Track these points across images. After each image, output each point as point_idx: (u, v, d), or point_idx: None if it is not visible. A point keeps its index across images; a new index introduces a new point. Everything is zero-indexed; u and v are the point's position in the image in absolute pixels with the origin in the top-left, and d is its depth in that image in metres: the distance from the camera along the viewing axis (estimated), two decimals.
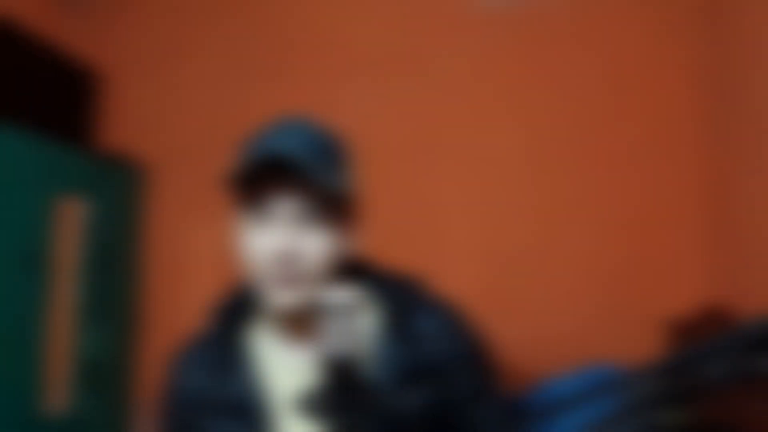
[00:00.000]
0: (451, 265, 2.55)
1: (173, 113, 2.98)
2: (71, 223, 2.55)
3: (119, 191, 2.82)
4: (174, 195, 2.92)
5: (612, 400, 1.76)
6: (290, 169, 0.87)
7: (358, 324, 0.91)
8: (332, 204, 0.91)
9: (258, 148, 0.90)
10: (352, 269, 1.01)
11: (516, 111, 2.70)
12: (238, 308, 1.04)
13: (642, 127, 2.62)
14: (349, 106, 2.63)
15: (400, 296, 1.00)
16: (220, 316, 1.04)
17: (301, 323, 0.96)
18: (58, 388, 2.43)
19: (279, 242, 0.88)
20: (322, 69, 2.84)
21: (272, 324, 1.00)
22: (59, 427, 2.41)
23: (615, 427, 1.70)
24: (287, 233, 0.89)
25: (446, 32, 2.79)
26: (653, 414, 1.68)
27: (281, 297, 0.91)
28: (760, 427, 1.58)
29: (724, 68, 2.41)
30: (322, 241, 0.90)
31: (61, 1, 2.97)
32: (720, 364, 1.53)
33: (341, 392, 0.87)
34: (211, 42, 2.98)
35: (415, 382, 0.94)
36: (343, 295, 0.89)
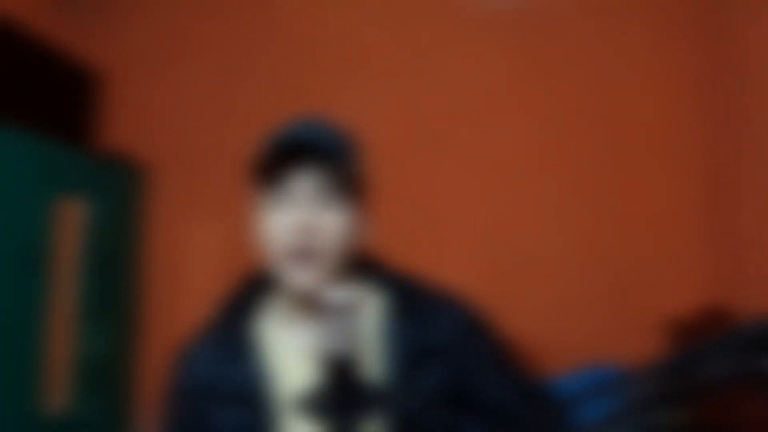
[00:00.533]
0: (453, 262, 2.55)
1: (173, 113, 2.98)
2: (71, 223, 2.55)
3: (119, 191, 2.82)
4: (174, 195, 2.92)
5: (612, 400, 1.76)
6: (310, 150, 0.97)
7: (358, 323, 0.91)
8: (347, 185, 0.98)
9: (279, 137, 1.00)
10: (362, 266, 1.04)
11: (517, 111, 2.70)
12: (247, 298, 1.07)
13: (643, 127, 2.62)
14: (350, 106, 2.63)
15: (407, 288, 1.05)
16: (229, 306, 1.06)
17: (312, 309, 0.97)
18: (58, 388, 2.43)
19: (299, 218, 0.95)
20: (322, 68, 2.84)
21: (283, 309, 1.03)
22: (59, 427, 2.41)
23: (615, 427, 1.70)
24: (307, 209, 0.96)
25: (446, 32, 2.79)
26: (653, 414, 1.68)
27: (298, 275, 0.96)
28: (760, 427, 1.58)
29: (726, 69, 2.41)
30: (339, 218, 0.97)
31: (61, 1, 2.97)
32: (720, 364, 1.53)
33: (339, 392, 0.87)
34: (211, 42, 2.98)
35: (424, 364, 0.97)
36: (342, 295, 0.89)
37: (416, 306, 1.02)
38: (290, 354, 0.99)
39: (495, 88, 2.73)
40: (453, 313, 1.03)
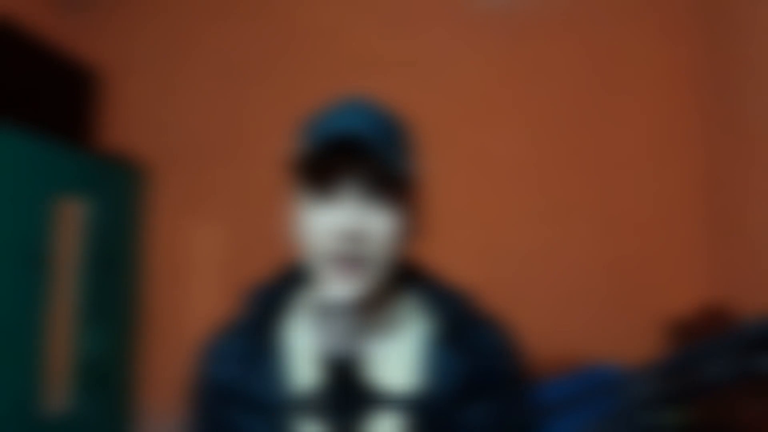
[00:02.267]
0: (453, 263, 2.55)
1: (173, 113, 2.98)
2: (71, 223, 2.55)
3: (119, 191, 2.82)
4: (174, 195, 2.92)
5: (612, 400, 1.76)
6: (357, 148, 0.85)
7: (358, 324, 0.91)
8: (397, 185, 0.88)
9: (323, 128, 0.88)
10: (407, 275, 0.97)
11: (517, 112, 2.70)
12: (279, 293, 1.00)
13: (644, 128, 2.62)
14: None
15: (455, 307, 0.97)
16: (260, 300, 1.00)
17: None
18: (58, 388, 2.43)
19: (344, 221, 0.85)
20: (322, 68, 2.84)
21: (308, 308, 0.96)
22: (59, 427, 2.41)
23: (615, 427, 1.70)
24: (352, 212, 0.85)
25: (446, 32, 2.79)
26: (653, 414, 1.68)
27: (341, 287, 0.86)
28: (760, 427, 1.58)
29: (725, 69, 2.41)
30: (387, 221, 0.87)
31: (61, 1, 2.97)
32: (720, 364, 1.53)
33: (339, 394, 0.86)
34: (211, 42, 2.98)
35: (475, 395, 0.91)
36: (343, 296, 0.88)
37: (467, 332, 0.94)
38: (306, 355, 0.94)
39: (495, 88, 2.73)
40: (500, 350, 0.95)
